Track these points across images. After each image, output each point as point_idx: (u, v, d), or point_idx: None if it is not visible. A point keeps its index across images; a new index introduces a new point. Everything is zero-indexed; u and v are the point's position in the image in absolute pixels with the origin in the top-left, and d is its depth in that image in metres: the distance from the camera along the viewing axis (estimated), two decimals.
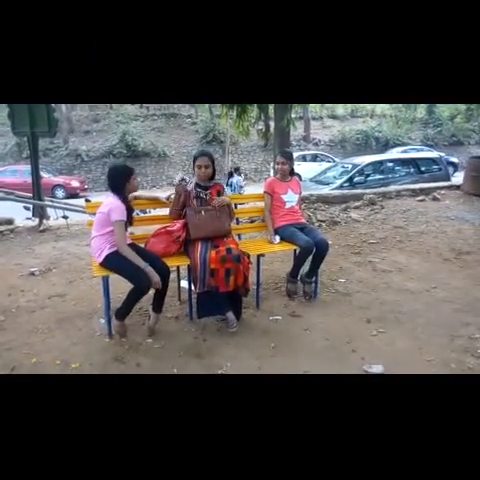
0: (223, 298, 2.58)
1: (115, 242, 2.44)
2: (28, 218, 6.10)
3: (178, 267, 3.10)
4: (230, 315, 2.62)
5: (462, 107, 22.11)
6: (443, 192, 6.81)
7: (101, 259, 2.46)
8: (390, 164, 8.64)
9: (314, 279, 3.13)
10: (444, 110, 22.70)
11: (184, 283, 3.14)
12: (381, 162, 8.67)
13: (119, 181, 2.47)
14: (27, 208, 6.18)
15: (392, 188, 7.14)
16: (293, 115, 6.37)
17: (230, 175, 10.37)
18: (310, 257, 3.05)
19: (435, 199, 6.48)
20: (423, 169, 8.54)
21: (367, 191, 6.77)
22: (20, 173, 14.01)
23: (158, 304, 2.61)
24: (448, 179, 8.49)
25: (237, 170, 10.88)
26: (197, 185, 2.84)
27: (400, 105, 23.68)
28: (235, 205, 3.23)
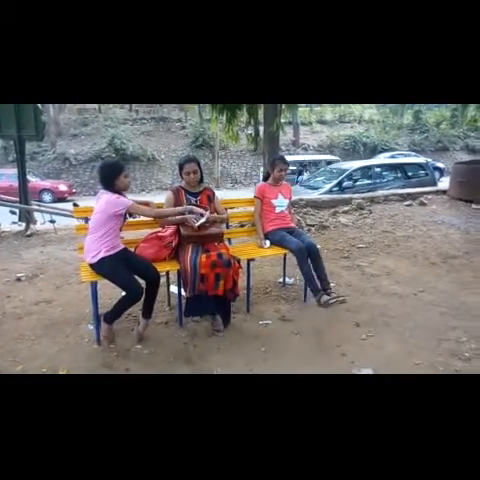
0: (212, 300, 2.57)
1: (150, 217, 2.58)
2: (14, 222, 6.00)
3: (167, 272, 3.07)
4: (218, 319, 2.63)
5: (447, 114, 22.59)
6: (430, 197, 6.91)
7: (95, 260, 2.42)
8: (378, 169, 8.77)
9: (326, 281, 3.07)
10: (430, 116, 23.15)
11: (174, 288, 3.12)
12: (369, 167, 8.80)
13: (109, 177, 2.44)
14: (13, 212, 6.08)
15: (380, 193, 7.22)
16: (282, 120, 6.42)
17: (299, 173, 10.52)
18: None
19: (422, 204, 6.58)
20: (410, 174, 8.69)
21: (355, 196, 6.84)
22: (6, 177, 13.74)
23: (147, 310, 2.58)
24: (434, 184, 8.64)
25: (304, 166, 11.13)
26: (186, 192, 2.84)
27: (387, 111, 24.07)
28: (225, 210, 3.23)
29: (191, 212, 2.63)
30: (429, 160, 11.22)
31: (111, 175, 2.44)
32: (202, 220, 2.61)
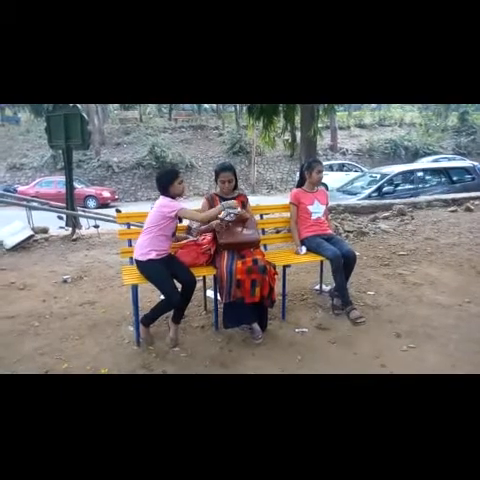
0: (249, 309, 2.59)
1: (199, 222, 2.66)
2: (61, 227, 6.35)
3: (204, 277, 3.13)
4: (256, 326, 2.62)
5: None
6: (477, 203, 6.56)
7: (144, 259, 2.53)
8: (420, 174, 8.43)
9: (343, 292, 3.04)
10: (477, 117, 21.99)
11: (210, 293, 3.17)
12: (411, 172, 8.48)
13: (165, 182, 2.60)
14: (61, 218, 6.45)
15: (422, 198, 6.95)
16: (320, 125, 6.35)
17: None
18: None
19: (468, 210, 6.26)
20: (455, 179, 8.29)
21: (396, 201, 6.63)
22: (55, 184, 14.63)
23: (178, 315, 2.65)
24: None
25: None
26: (220, 198, 2.89)
27: (430, 113, 23.17)
28: (261, 216, 3.25)
29: (229, 206, 2.63)
30: (476, 164, 10.62)
31: (166, 182, 2.59)
32: (224, 213, 2.61)
